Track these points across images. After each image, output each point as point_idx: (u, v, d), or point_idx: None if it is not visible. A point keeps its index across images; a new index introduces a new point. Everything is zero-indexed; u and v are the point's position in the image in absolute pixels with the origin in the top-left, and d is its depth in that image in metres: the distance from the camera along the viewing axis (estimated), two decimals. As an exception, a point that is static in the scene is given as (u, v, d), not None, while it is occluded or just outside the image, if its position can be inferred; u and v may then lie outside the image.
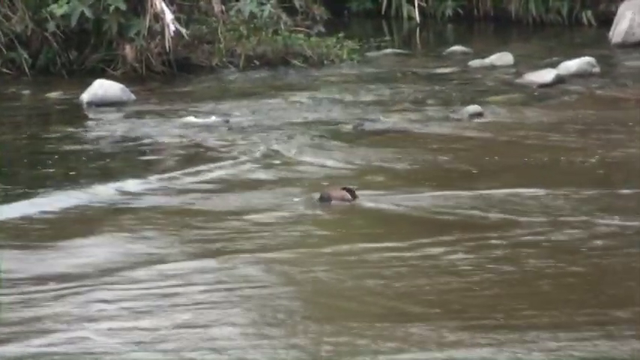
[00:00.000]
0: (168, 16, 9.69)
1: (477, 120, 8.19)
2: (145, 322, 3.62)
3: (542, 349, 3.18)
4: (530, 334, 3.34)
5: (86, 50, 10.19)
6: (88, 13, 9.77)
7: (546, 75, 9.69)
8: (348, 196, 5.54)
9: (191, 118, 8.24)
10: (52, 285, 4.09)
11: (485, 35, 13.22)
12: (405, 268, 4.33)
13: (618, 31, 11.07)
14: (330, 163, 6.76)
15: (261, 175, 6.48)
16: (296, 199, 5.65)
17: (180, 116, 8.38)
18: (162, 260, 4.56)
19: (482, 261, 4.41)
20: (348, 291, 4.06)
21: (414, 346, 3.27)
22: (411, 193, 5.74)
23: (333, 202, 5.58)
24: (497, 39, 12.68)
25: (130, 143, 7.61)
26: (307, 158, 6.92)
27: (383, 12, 13.61)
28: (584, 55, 10.10)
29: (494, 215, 5.26)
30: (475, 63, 10.56)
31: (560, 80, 9.62)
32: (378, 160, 6.80)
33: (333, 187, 5.74)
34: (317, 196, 5.65)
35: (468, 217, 5.27)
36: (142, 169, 6.90)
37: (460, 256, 4.52)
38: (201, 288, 4.08)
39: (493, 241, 4.72)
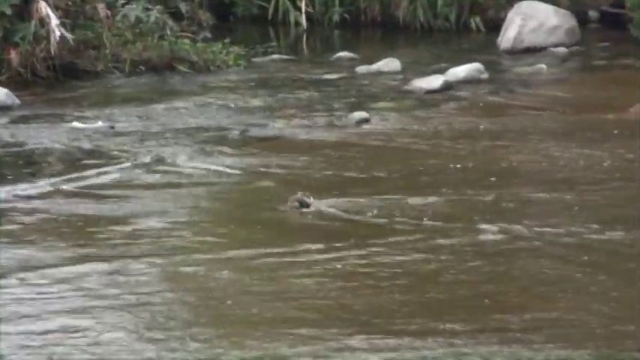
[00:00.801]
0: (54, 21, 9.62)
1: (363, 126, 8.18)
2: (32, 327, 3.71)
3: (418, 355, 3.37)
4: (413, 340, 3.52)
5: (-29, 55, 10.02)
6: (-28, 17, 9.55)
7: (434, 81, 9.59)
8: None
9: (77, 124, 8.18)
10: None
11: (373, 41, 13.16)
12: (291, 273, 4.45)
13: (507, 38, 11.16)
14: (217, 168, 6.78)
15: (149, 179, 6.56)
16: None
17: (66, 121, 8.33)
18: (50, 264, 4.60)
19: (371, 266, 4.54)
20: (237, 295, 4.20)
21: (298, 349, 3.44)
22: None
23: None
24: (385, 45, 12.67)
25: (15, 148, 7.55)
26: (194, 163, 6.94)
27: (269, 17, 13.28)
28: (472, 61, 10.22)
29: (381, 220, 5.34)
30: (362, 69, 10.41)
31: (448, 87, 9.55)
32: (263, 165, 6.86)
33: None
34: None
35: (355, 222, 5.38)
36: (27, 174, 6.93)
37: (348, 261, 4.64)
38: (89, 292, 4.17)
39: (380, 248, 4.82)
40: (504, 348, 3.38)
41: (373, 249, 4.78)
